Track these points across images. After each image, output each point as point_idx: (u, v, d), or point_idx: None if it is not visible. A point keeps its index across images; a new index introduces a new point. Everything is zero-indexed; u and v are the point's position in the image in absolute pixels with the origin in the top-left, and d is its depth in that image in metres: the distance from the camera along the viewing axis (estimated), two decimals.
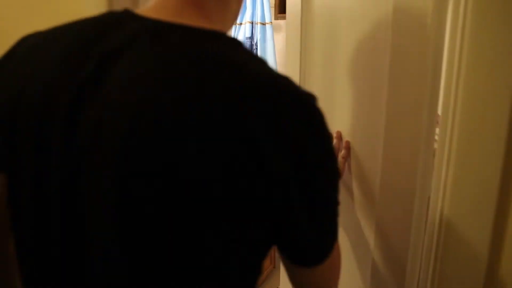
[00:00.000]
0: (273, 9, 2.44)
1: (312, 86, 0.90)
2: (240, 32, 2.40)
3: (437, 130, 0.66)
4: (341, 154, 0.79)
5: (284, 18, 2.27)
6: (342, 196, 0.83)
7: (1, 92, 0.44)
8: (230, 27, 0.50)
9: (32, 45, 0.45)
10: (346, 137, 0.82)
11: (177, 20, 0.41)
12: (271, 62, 2.37)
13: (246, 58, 0.40)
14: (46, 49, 0.43)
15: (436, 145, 0.67)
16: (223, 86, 0.36)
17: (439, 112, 0.66)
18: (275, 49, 2.37)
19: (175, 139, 0.35)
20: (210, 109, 0.35)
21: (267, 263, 2.16)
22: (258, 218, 0.38)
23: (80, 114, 0.38)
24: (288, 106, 0.37)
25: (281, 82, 0.38)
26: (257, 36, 2.35)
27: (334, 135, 0.81)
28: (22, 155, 0.42)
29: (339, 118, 0.83)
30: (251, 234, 0.40)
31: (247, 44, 2.38)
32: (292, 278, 0.48)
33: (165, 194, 0.36)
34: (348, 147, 0.79)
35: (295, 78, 0.91)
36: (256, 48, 2.36)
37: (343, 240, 0.85)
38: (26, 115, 0.41)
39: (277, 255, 0.94)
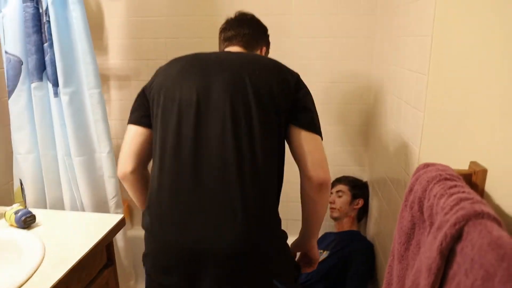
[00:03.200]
0: None
1: None
2: None
3: None
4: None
5: None
6: None
7: (161, 85, 1.08)
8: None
9: (179, 62, 1.11)
10: None
11: (241, 51, 1.23)
12: (83, 41, 1.46)
13: (269, 58, 1.14)
14: (185, 63, 1.10)
15: None
16: (274, 66, 1.09)
17: None
18: (87, 24, 1.46)
19: (263, 84, 1.03)
20: (274, 75, 1.06)
21: None
22: (290, 110, 1.04)
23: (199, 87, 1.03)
24: (295, 76, 1.10)
25: (286, 67, 1.11)
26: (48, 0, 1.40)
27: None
28: (172, 112, 1.02)
29: None
30: (284, 119, 1.04)
31: (27, 11, 1.41)
32: (300, 147, 1.06)
33: (262, 107, 1.01)
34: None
35: None
36: (48, 21, 1.41)
37: None
38: (173, 93, 1.04)
39: None
